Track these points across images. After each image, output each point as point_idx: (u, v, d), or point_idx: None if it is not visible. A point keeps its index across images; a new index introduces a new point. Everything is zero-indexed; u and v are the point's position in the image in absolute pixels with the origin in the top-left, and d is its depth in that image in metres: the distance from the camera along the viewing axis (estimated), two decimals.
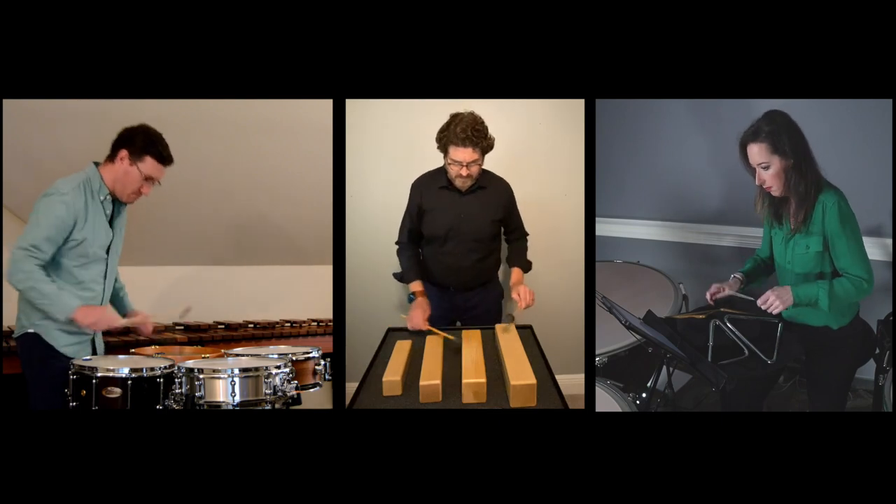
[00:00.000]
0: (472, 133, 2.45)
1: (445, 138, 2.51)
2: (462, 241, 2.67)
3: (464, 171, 2.53)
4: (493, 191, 2.68)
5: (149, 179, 2.19)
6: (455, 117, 2.50)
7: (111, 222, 2.22)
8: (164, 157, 2.19)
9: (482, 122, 2.51)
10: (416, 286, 2.66)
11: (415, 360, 2.12)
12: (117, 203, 2.23)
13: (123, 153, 2.16)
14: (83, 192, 2.13)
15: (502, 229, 2.81)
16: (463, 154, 2.49)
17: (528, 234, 2.84)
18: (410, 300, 2.65)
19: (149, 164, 2.17)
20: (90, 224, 2.14)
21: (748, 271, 2.44)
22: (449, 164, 2.56)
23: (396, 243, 2.78)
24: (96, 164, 2.20)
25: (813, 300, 2.15)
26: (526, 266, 2.78)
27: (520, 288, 2.59)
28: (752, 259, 2.48)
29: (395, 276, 2.81)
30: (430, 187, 2.67)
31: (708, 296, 2.35)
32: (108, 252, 2.22)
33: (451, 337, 2.37)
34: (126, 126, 2.19)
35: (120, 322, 2.22)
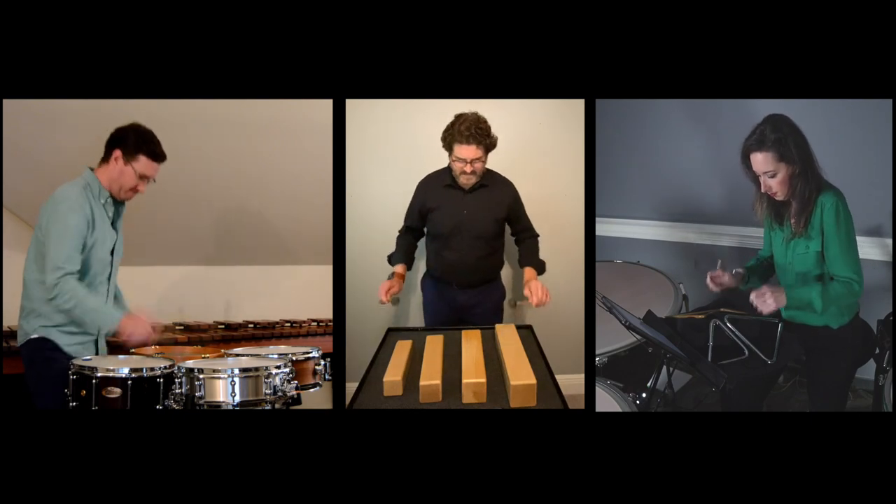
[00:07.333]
0: (475, 131, 2.53)
1: (450, 136, 2.59)
2: (465, 238, 2.72)
3: (468, 168, 2.60)
4: (497, 189, 2.74)
5: (143, 178, 2.21)
6: (459, 117, 2.59)
7: (113, 224, 2.24)
8: (157, 155, 2.21)
9: (485, 121, 2.59)
10: (399, 269, 2.76)
11: (415, 360, 2.12)
12: (117, 204, 2.25)
13: (117, 153, 2.17)
14: (87, 197, 2.14)
15: (511, 230, 2.85)
16: (467, 151, 2.56)
17: (538, 235, 2.86)
18: (389, 278, 2.71)
19: (142, 163, 2.18)
20: (98, 228, 2.16)
21: (751, 268, 2.44)
22: (453, 161, 2.63)
23: (398, 231, 2.87)
24: (91, 168, 2.21)
25: (806, 303, 2.15)
26: (539, 266, 2.78)
27: (532, 283, 2.58)
28: (756, 258, 2.49)
29: (388, 257, 2.86)
30: (434, 186, 2.75)
31: (708, 279, 2.34)
32: (112, 254, 2.24)
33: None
34: (117, 126, 2.20)
35: (153, 336, 2.19)
